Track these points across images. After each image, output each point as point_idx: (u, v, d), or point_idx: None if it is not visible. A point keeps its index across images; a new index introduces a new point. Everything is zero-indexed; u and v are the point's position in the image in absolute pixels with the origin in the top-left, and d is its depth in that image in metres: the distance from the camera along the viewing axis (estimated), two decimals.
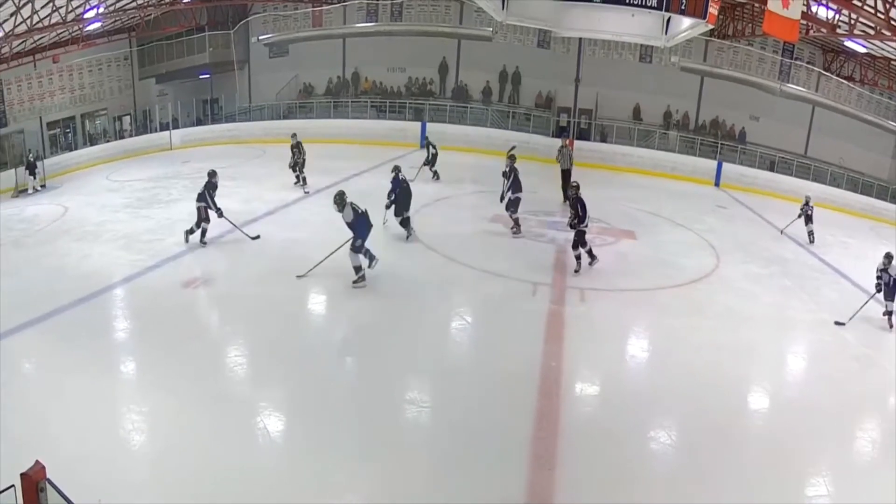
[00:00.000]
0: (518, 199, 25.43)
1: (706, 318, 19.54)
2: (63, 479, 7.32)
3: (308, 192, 30.42)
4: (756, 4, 35.70)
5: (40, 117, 43.82)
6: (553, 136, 42.50)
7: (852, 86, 42.02)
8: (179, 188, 30.38)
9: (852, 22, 30.51)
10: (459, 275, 21.84)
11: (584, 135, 45.13)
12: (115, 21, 44.15)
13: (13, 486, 7.02)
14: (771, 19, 24.58)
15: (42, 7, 33.35)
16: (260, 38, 50.16)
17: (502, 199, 25.57)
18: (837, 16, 31.12)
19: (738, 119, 45.17)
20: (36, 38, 37.73)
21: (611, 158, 42.71)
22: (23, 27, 32.92)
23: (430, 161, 33.93)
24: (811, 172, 40.94)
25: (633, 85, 45.91)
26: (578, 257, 21.74)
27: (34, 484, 6.97)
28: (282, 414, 13.82)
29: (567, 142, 35.04)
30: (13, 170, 36.11)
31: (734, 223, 31.25)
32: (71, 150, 43.76)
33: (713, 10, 16.54)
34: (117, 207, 29.09)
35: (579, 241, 21.57)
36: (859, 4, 27.68)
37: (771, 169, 41.86)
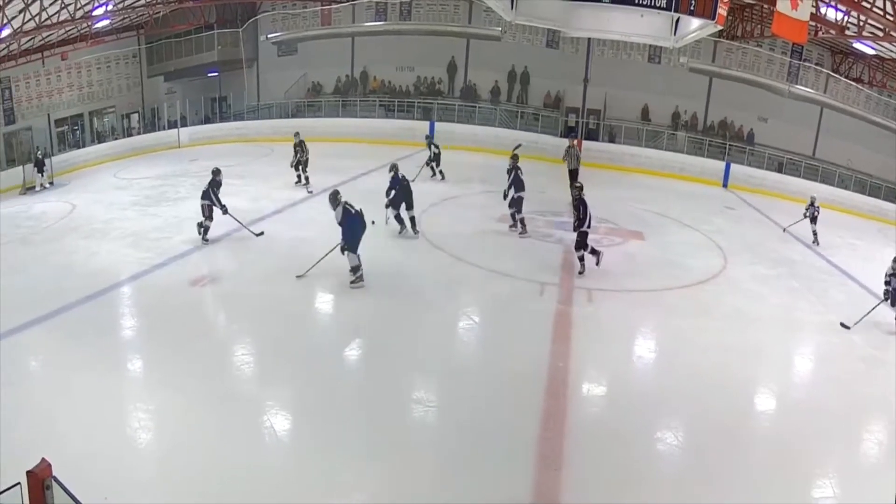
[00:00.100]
0: (521, 199, 25.46)
1: (713, 319, 19.51)
2: (69, 476, 7.30)
3: (311, 192, 30.39)
4: (765, 5, 35.62)
5: (48, 114, 43.74)
6: (561, 137, 42.42)
7: (861, 87, 41.89)
8: (187, 186, 30.39)
9: (861, 24, 30.50)
10: (467, 274, 21.87)
11: (592, 135, 45.10)
12: (124, 18, 44.22)
13: (19, 483, 7.01)
14: (780, 20, 24.59)
15: (51, 4, 33.43)
16: (269, 36, 49.99)
17: (505, 196, 25.63)
18: (846, 17, 31.08)
19: (746, 120, 45.01)
20: (45, 35, 37.69)
21: (619, 159, 42.66)
22: (31, 24, 32.97)
23: (434, 160, 33.89)
24: (819, 174, 40.83)
25: (641, 85, 45.82)
26: (582, 259, 21.65)
27: (40, 481, 6.96)
28: (289, 413, 13.84)
29: (574, 142, 34.95)
30: (21, 167, 36.13)
31: (742, 224, 31.18)
32: (79, 147, 43.80)
33: (722, 10, 16.52)
34: (125, 205, 29.17)
35: (581, 242, 21.48)
36: (868, 6, 27.70)
37: (779, 170, 41.73)
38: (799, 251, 27.46)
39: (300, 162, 31.92)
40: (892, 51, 37.68)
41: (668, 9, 15.69)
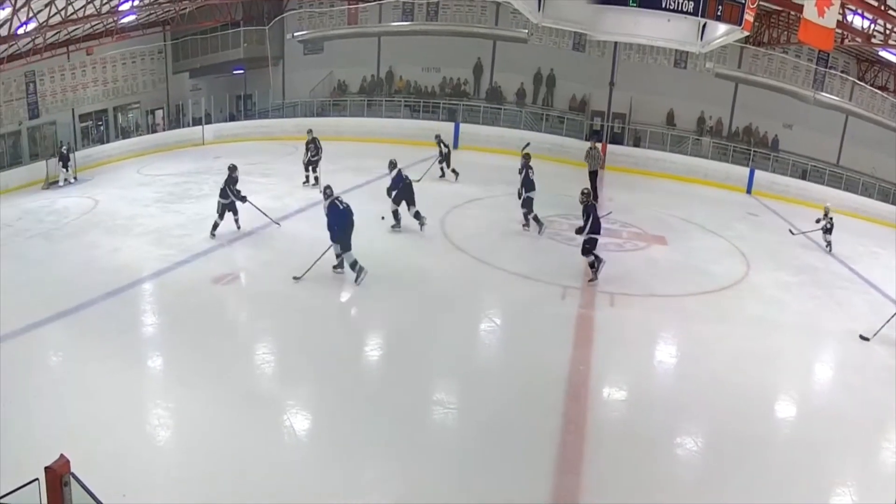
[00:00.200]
0: (530, 199, 25.58)
1: (735, 325, 19.50)
2: (87, 473, 7.31)
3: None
4: (792, 12, 35.49)
5: (72, 109, 43.62)
6: (586, 140, 42.35)
7: (886, 96, 41.50)
8: (211, 184, 30.23)
9: (887, 32, 30.36)
10: (489, 276, 21.95)
11: (617, 139, 44.89)
12: (150, 14, 44.13)
13: (37, 479, 7.02)
14: (806, 27, 24.53)
15: None
16: (295, 34, 49.93)
17: (519, 196, 25.77)
18: (873, 25, 30.97)
19: (771, 127, 44.64)
20: (70, 29, 37.65)
21: (643, 163, 42.42)
22: (57, 18, 32.99)
23: (444, 159, 33.87)
24: (843, 182, 40.52)
25: (667, 90, 45.50)
26: (592, 265, 21.58)
27: (58, 478, 6.96)
28: (308, 412, 13.95)
29: (594, 144, 34.83)
30: (44, 161, 36.20)
31: (765, 231, 31.01)
32: (102, 142, 43.63)
33: (749, 16, 16.48)
34: (148, 201, 29.27)
35: (591, 248, 21.36)
36: (895, 15, 27.56)
37: (803, 177, 41.41)
38: (821, 258, 27.32)
39: (311, 161, 31.78)
40: None
41: (695, 14, 15.65)
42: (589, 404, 14.72)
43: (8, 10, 29.19)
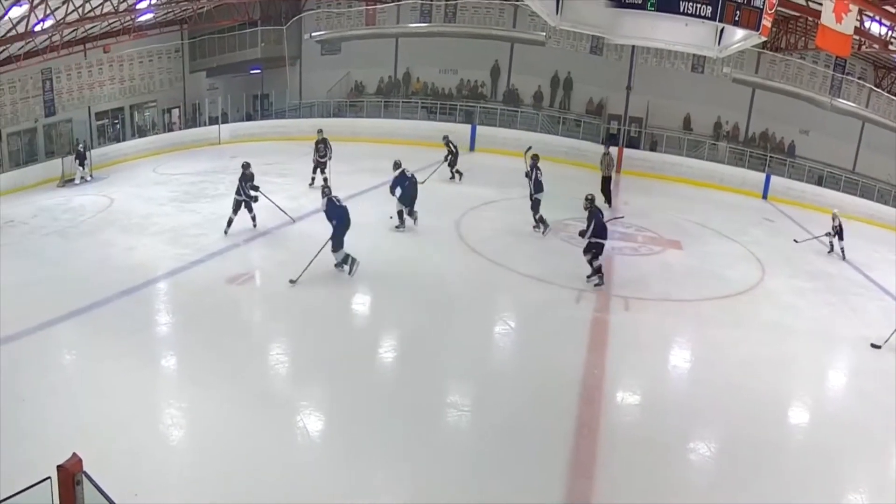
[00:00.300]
0: (539, 201, 25.73)
1: (750, 330, 19.49)
2: (100, 472, 7.33)
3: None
4: (810, 18, 35.41)
5: (89, 107, 43.64)
6: (602, 143, 42.26)
7: None
8: (227, 183, 30.07)
9: None
10: (503, 279, 22.01)
11: (633, 143, 44.89)
12: (168, 13, 44.16)
13: (49, 477, 7.03)
14: (824, 34, 24.50)
15: None
16: (312, 34, 49.49)
17: (531, 197, 25.78)
18: (890, 32, 30.92)
19: (787, 132, 44.48)
20: (87, 27, 37.73)
21: (660, 167, 42.31)
22: (74, 15, 33.04)
23: (451, 160, 33.76)
24: (859, 188, 40.41)
25: (684, 94, 45.39)
26: (599, 269, 21.52)
27: (70, 476, 6.98)
28: (322, 413, 14.02)
29: (608, 150, 34.70)
30: (60, 159, 36.25)
31: (780, 236, 30.86)
32: (119, 141, 43.63)
33: (767, 22, 16.42)
34: (164, 200, 29.36)
35: (598, 252, 21.35)
36: None
37: (819, 183, 41.23)
38: (836, 265, 27.24)
39: (319, 162, 31.66)
40: None
41: (713, 19, 15.59)
42: (603, 408, 14.78)
43: (25, 7, 29.26)
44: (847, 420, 15.08)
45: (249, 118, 49.88)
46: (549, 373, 15.88)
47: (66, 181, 34.74)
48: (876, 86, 41.94)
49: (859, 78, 42.21)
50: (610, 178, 32.66)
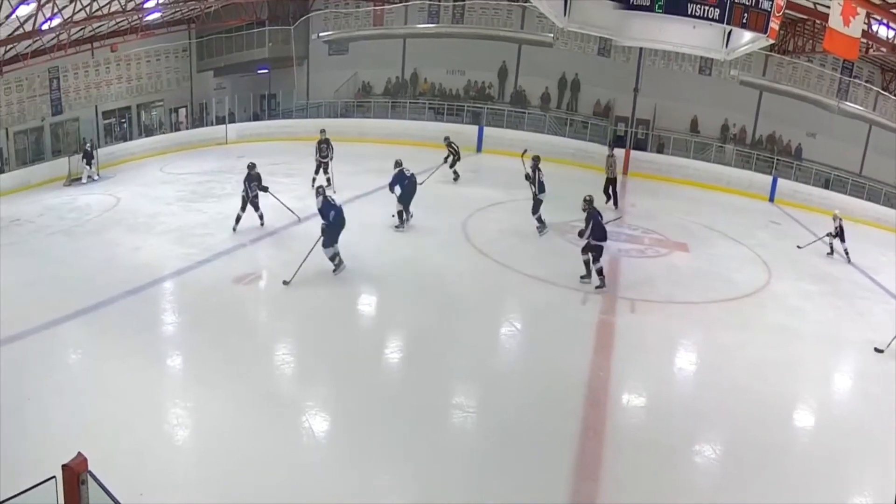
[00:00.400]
0: (540, 201, 25.88)
1: (756, 333, 19.45)
2: (105, 472, 7.33)
3: (335, 193, 30.03)
4: (817, 21, 35.36)
5: (96, 106, 43.70)
6: (607, 145, 42.27)
7: None
8: (234, 183, 30.11)
9: None
10: (510, 280, 22.01)
11: (641, 145, 44.89)
12: (175, 12, 44.17)
13: (54, 477, 7.03)
14: (832, 37, 24.43)
15: None
16: (320, 35, 49.65)
17: (534, 198, 25.93)
18: None
19: (794, 135, 44.40)
20: (94, 26, 37.75)
21: (667, 170, 42.30)
22: (82, 14, 33.06)
23: (453, 161, 33.78)
24: (865, 191, 40.30)
25: (691, 97, 45.35)
26: (587, 262, 21.53)
27: (75, 476, 6.98)
28: (327, 414, 14.02)
29: (612, 152, 34.66)
30: (66, 158, 36.29)
31: (787, 239, 30.76)
32: (125, 140, 43.79)
33: (774, 25, 16.40)
34: (170, 200, 29.48)
35: (597, 255, 21.25)
36: None
37: (826, 186, 41.06)
38: (842, 268, 27.15)
39: (321, 162, 31.52)
40: None
41: (720, 21, 15.58)
42: (608, 410, 14.79)
43: (33, 6, 29.28)
44: (852, 423, 15.08)
45: (256, 118, 50.04)
46: (554, 374, 15.87)
47: (73, 180, 34.81)
48: (883, 89, 41.81)
49: (867, 81, 42.10)
50: (615, 179, 32.67)
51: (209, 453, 12.06)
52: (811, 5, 32.04)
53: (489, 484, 11.77)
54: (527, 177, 25.90)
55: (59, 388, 13.80)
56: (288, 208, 25.20)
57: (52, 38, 35.67)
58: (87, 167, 34.89)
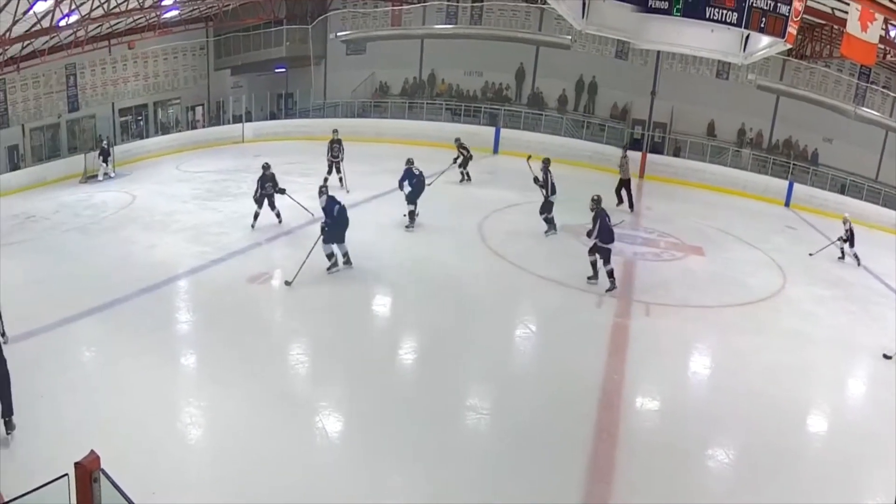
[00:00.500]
0: (552, 203, 25.93)
1: (770, 338, 19.42)
2: (118, 470, 7.33)
3: (348, 192, 30.26)
4: (835, 26, 35.35)
5: (112, 103, 43.82)
6: (628, 149, 42.23)
7: None
8: (250, 182, 29.85)
9: None
10: (525, 282, 22.04)
11: (657, 148, 44.91)
12: (193, 10, 44.22)
13: (66, 475, 7.02)
14: (849, 42, 24.39)
15: None
16: (338, 34, 49.44)
17: (546, 199, 26.02)
18: None
19: (811, 140, 44.27)
20: (112, 23, 37.77)
21: (683, 173, 42.19)
22: (99, 11, 33.12)
23: (462, 163, 33.79)
24: (881, 197, 40.16)
25: (708, 100, 45.27)
26: (593, 263, 21.54)
27: (88, 474, 6.97)
28: (341, 414, 14.03)
29: (625, 153, 34.62)
30: (82, 155, 36.35)
31: (802, 244, 30.61)
32: (142, 138, 43.85)
33: (792, 29, 16.42)
34: (186, 198, 29.62)
35: (603, 257, 21.19)
36: None
37: (842, 192, 40.90)
38: (856, 273, 27.10)
39: (332, 161, 31.70)
40: None
41: (738, 25, 15.61)
42: (622, 413, 14.78)
43: (50, 2, 29.37)
44: (865, 429, 15.04)
45: (273, 117, 50.07)
46: (568, 377, 15.90)
47: (89, 177, 34.91)
48: None
49: (884, 87, 42.00)
50: (628, 180, 32.71)
51: (223, 453, 12.10)
52: (829, 10, 31.96)
53: (502, 485, 11.79)
54: (535, 180, 25.94)
55: (73, 385, 13.85)
56: (303, 207, 25.23)
57: (70, 35, 35.65)
58: (104, 164, 34.95)
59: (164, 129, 46.32)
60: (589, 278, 21.66)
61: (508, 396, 15.12)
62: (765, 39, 16.86)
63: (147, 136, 43.99)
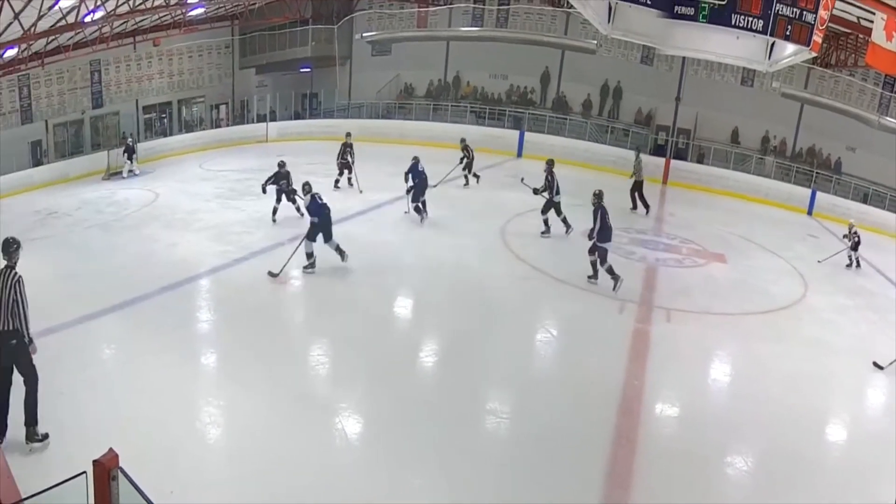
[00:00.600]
0: (557, 203, 26.05)
1: (791, 346, 19.36)
2: (136, 468, 7.33)
3: (361, 192, 30.72)
4: (860, 35, 35.30)
5: (136, 100, 44.14)
6: (651, 154, 42.18)
7: None
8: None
9: None
10: (547, 287, 22.06)
11: (681, 155, 44.97)
12: (219, 8, 44.38)
13: (84, 472, 7.02)
14: (874, 51, 24.35)
15: None
16: (364, 35, 49.81)
17: (552, 199, 26.09)
18: None
19: (834, 149, 44.16)
20: (137, 19, 37.95)
21: (706, 180, 42.23)
22: (125, 7, 33.24)
23: (467, 164, 33.88)
24: None
25: (732, 107, 45.18)
26: (593, 263, 21.58)
27: (106, 471, 6.97)
28: (360, 416, 14.01)
29: (638, 155, 34.59)
30: (106, 152, 36.46)
31: (824, 253, 30.44)
32: (165, 135, 44.22)
33: (818, 38, 16.35)
34: (209, 197, 29.85)
35: (600, 256, 21.32)
36: None
37: (864, 201, 40.76)
38: (878, 282, 27.09)
39: (344, 163, 31.67)
40: None
41: (764, 33, 15.56)
42: (641, 419, 14.75)
43: None
44: (885, 439, 14.89)
45: (298, 117, 50.57)
46: (588, 382, 15.88)
47: (112, 174, 35.18)
48: None
49: None
50: (641, 182, 32.79)
51: (242, 452, 12.09)
52: (854, 19, 31.94)
53: (520, 489, 11.77)
54: (535, 191, 26.18)
55: (93, 383, 13.87)
56: (300, 214, 25.27)
57: (95, 31, 35.86)
58: (128, 161, 35.12)
59: (188, 128, 46.71)
60: (589, 277, 21.79)
61: (528, 400, 15.12)
62: (790, 47, 16.81)
63: (171, 134, 44.50)
